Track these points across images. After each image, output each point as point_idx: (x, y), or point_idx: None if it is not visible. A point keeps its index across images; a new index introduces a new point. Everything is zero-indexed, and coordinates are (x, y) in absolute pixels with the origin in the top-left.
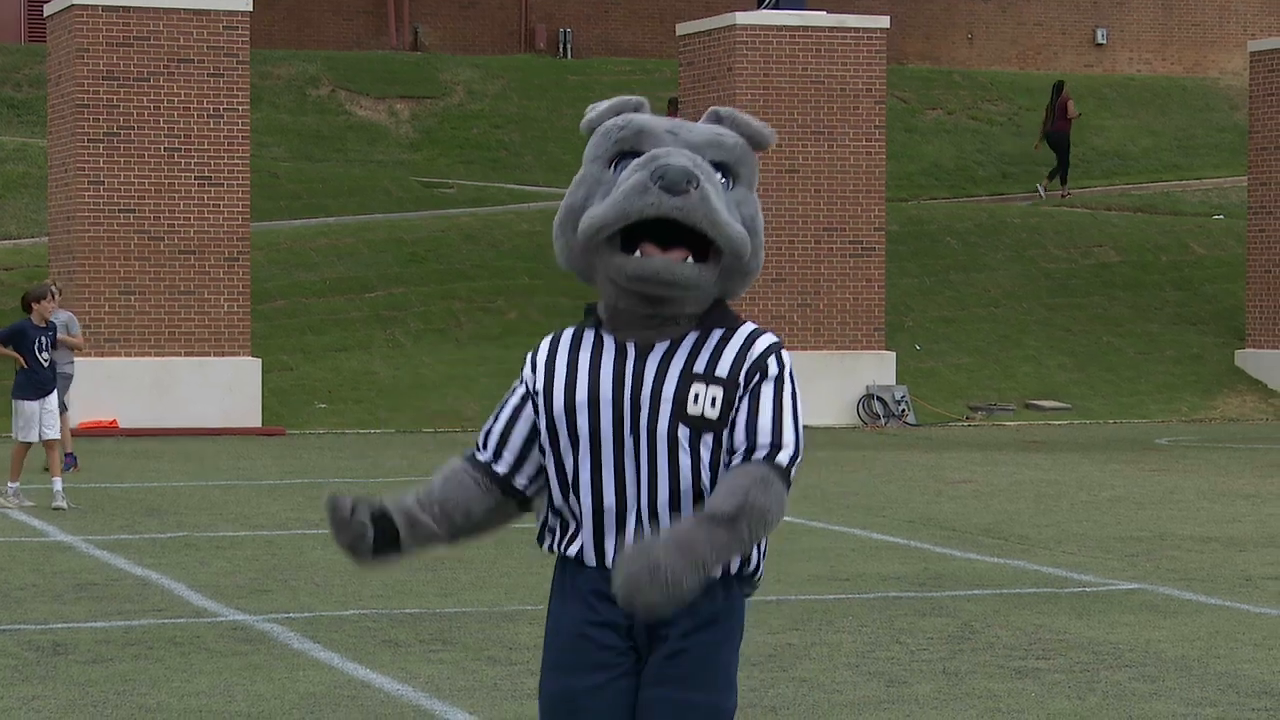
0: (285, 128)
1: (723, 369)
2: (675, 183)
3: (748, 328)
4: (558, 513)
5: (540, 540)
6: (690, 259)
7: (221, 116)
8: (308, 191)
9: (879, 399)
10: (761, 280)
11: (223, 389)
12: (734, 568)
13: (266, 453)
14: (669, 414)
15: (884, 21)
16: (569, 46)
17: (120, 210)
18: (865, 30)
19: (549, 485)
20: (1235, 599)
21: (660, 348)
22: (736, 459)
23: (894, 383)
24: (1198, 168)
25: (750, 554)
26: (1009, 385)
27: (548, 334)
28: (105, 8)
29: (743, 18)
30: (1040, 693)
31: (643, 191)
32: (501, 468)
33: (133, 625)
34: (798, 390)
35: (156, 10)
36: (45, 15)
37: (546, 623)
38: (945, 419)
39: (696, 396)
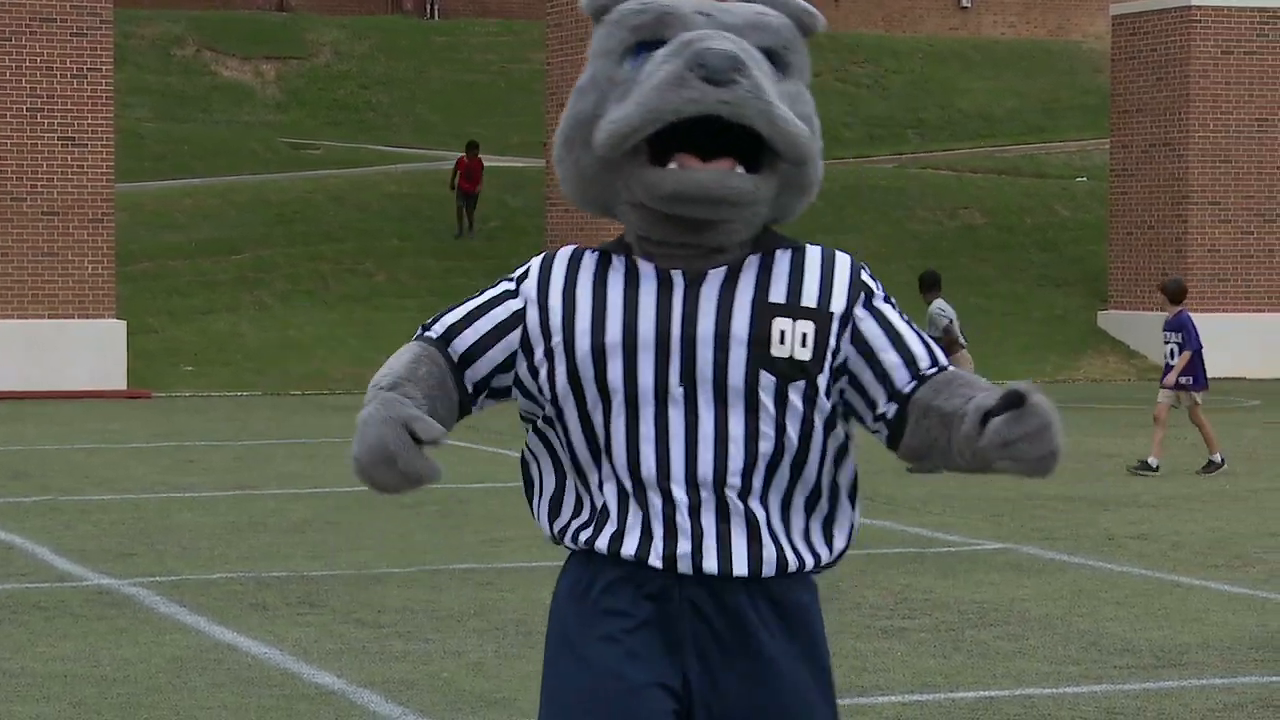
0: (150, 88)
1: (809, 297)
2: (719, 70)
3: (818, 247)
4: (579, 490)
5: (552, 526)
6: (740, 169)
7: (85, 76)
8: (173, 152)
9: None
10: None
11: (88, 351)
12: (821, 557)
13: (132, 416)
14: (744, 358)
15: None
16: (436, 7)
17: None
18: None
19: (554, 452)
20: (1098, 558)
21: (716, 275)
22: (908, 387)
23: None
24: (1061, 130)
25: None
26: None
27: (560, 249)
28: None
29: None
30: (906, 652)
31: (679, 84)
32: (467, 376)
33: None
34: None
35: None
36: None
37: (555, 649)
38: None
39: (783, 334)
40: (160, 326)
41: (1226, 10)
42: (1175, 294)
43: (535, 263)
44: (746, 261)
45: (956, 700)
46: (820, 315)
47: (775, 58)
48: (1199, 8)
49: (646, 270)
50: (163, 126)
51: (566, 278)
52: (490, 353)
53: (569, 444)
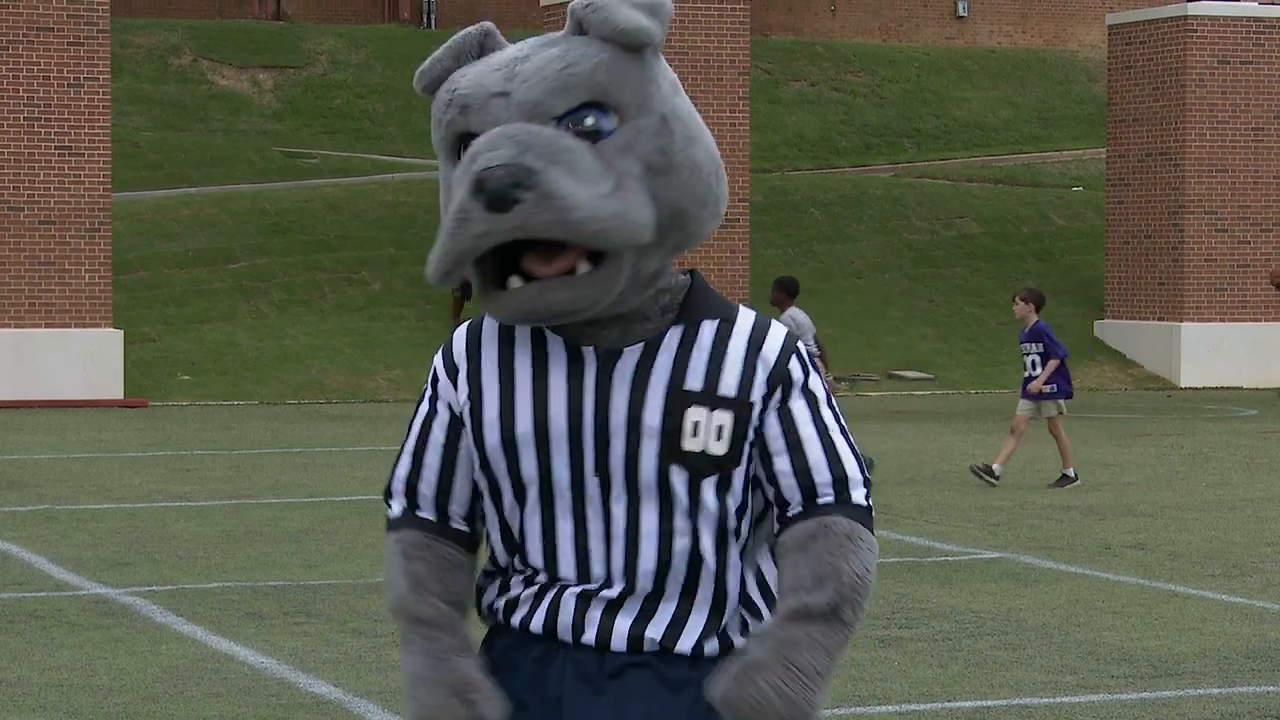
0: (147, 97)
1: (728, 385)
2: (498, 196)
3: (748, 318)
4: (499, 566)
5: (479, 599)
6: (582, 263)
7: (82, 86)
8: (170, 161)
9: None
10: None
11: (84, 360)
12: (706, 652)
13: (129, 425)
14: (656, 451)
15: None
16: (433, 15)
17: None
18: (728, 2)
19: (486, 530)
20: (1095, 567)
21: (632, 354)
22: (792, 512)
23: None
24: (1057, 140)
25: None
26: (872, 356)
27: (457, 330)
28: None
29: None
30: (903, 662)
31: (465, 219)
32: (460, 524)
33: None
34: (830, 393)
35: None
36: None
37: None
38: None
39: (696, 426)
40: (157, 335)
41: (1222, 20)
42: (1040, 303)
43: (438, 360)
44: (667, 336)
45: (954, 710)
46: (740, 405)
47: (599, 109)
48: (1195, 18)
49: (555, 345)
50: (159, 135)
51: (468, 361)
52: (458, 483)
53: (490, 528)
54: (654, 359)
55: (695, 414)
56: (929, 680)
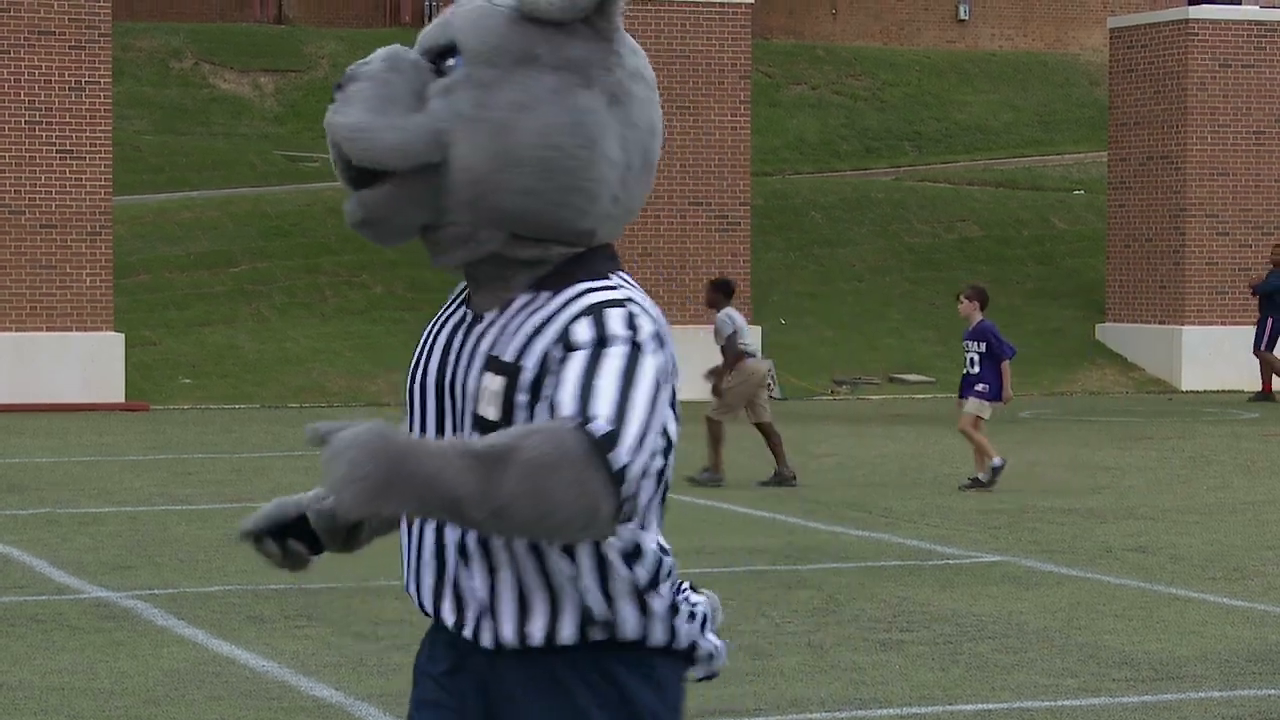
0: (148, 100)
1: (511, 350)
2: (332, 97)
3: (580, 287)
4: None
5: None
6: (384, 185)
7: (83, 89)
8: (170, 165)
9: None
10: (625, 255)
11: (85, 364)
12: (558, 637)
13: (130, 428)
14: (470, 414)
15: None
16: (434, 19)
17: None
18: (730, 5)
19: None
20: (1096, 570)
21: (487, 319)
22: None
23: (759, 356)
24: (1058, 143)
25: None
26: (873, 359)
27: None
28: None
29: None
30: (904, 665)
31: None
32: None
33: None
34: (644, 366)
35: None
36: None
37: None
38: (810, 392)
39: (485, 391)
40: (158, 339)
41: (1224, 24)
42: (984, 301)
43: None
44: (514, 303)
45: (955, 713)
46: (511, 370)
47: (452, 52)
48: (1196, 21)
49: (463, 309)
50: (160, 139)
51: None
52: None
53: None
54: (492, 325)
55: (485, 379)
56: (930, 683)
